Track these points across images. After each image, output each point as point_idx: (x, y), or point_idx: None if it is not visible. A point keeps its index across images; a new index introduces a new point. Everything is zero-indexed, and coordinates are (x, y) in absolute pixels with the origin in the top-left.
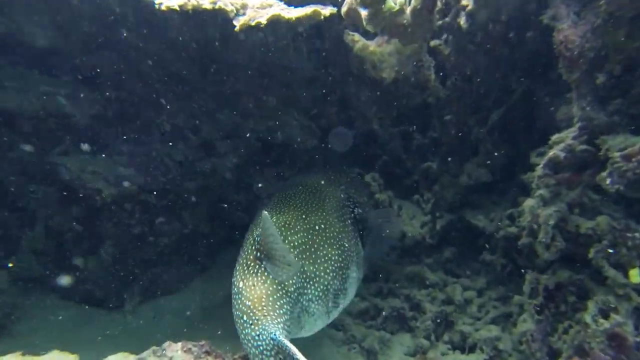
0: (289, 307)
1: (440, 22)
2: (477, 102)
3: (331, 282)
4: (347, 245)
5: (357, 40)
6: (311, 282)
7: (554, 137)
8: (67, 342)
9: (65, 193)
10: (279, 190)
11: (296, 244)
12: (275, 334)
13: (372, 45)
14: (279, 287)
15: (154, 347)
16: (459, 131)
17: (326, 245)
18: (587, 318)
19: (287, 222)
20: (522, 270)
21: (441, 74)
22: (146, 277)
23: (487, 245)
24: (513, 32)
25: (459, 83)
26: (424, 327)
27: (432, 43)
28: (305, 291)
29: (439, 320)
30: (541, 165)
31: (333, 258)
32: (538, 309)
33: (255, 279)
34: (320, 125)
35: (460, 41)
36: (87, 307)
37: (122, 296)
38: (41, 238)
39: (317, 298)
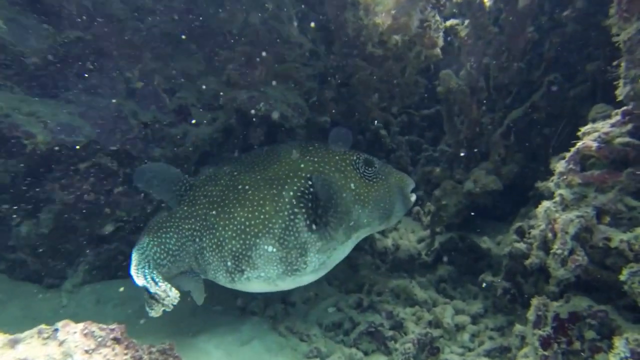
0: (176, 237)
1: None
2: (493, 97)
3: (227, 240)
4: (267, 214)
5: None
6: (208, 231)
7: (585, 128)
8: None
9: None
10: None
11: (209, 194)
12: (136, 247)
13: None
14: (171, 220)
15: (42, 326)
16: (470, 131)
17: (237, 205)
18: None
19: (216, 174)
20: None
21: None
22: (95, 254)
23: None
24: (546, 11)
25: (474, 72)
26: (403, 349)
27: (448, 23)
28: (202, 237)
29: (422, 344)
30: (565, 159)
31: (238, 219)
32: (544, 341)
33: (162, 212)
34: (318, 121)
35: (480, 21)
36: (18, 281)
37: (63, 273)
38: None
39: (211, 248)
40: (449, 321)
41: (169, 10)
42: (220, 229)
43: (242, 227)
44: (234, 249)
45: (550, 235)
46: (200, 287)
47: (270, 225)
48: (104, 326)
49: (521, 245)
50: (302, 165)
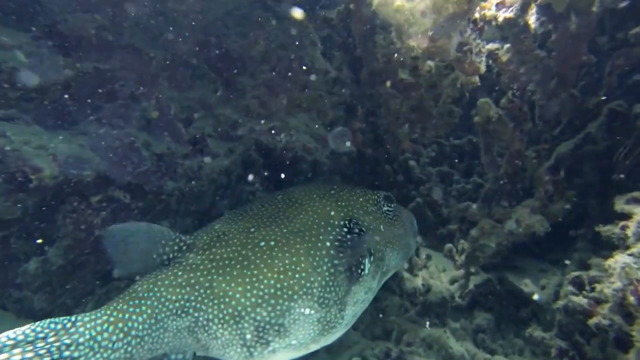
0: (150, 312)
1: (500, 19)
2: (538, 128)
3: (250, 309)
4: (304, 272)
5: None
6: (215, 301)
7: None
8: None
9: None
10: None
11: (218, 257)
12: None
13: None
14: (151, 289)
15: None
16: (510, 165)
17: (262, 266)
18: None
19: (226, 232)
20: None
21: (495, 91)
22: (105, 292)
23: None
24: (607, 31)
25: (516, 101)
26: None
27: (488, 47)
28: (203, 308)
29: None
30: None
31: (265, 282)
32: None
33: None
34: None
35: (524, 44)
36: (23, 319)
37: (70, 312)
38: None
39: (222, 321)
40: None
41: (188, 38)
42: (238, 296)
43: (272, 290)
44: (258, 318)
45: (632, 299)
46: None
47: (308, 284)
48: None
49: (581, 300)
50: (333, 213)
